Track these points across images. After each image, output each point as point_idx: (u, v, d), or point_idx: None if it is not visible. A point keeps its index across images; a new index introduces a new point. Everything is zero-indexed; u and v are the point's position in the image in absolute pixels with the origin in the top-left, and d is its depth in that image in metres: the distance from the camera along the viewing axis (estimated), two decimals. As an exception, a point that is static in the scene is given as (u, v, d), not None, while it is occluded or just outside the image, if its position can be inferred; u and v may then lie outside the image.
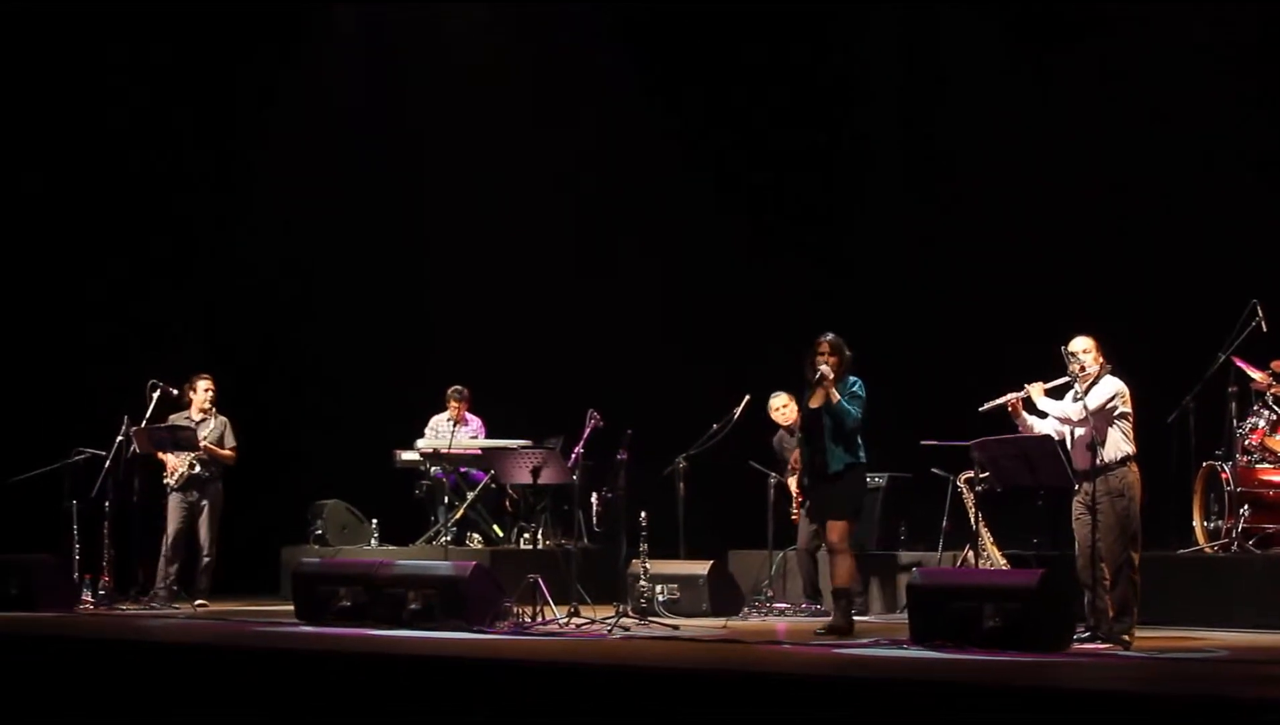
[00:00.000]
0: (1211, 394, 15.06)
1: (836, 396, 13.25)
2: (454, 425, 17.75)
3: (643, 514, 15.20)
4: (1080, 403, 12.41)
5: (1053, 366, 12.57)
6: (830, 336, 13.34)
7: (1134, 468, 12.32)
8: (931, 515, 15.75)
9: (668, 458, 15.51)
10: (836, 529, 13.48)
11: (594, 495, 16.61)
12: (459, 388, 17.79)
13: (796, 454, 14.50)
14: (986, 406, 12.70)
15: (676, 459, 15.39)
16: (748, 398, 14.90)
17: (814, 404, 13.42)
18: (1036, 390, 12.57)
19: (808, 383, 13.48)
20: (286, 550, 17.90)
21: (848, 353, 13.37)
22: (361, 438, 18.52)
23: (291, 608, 14.75)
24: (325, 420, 19.26)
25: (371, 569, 14.27)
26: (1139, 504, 12.28)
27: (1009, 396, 12.61)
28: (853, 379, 13.37)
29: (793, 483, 15.22)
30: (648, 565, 15.28)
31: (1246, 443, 15.12)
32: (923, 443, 14.97)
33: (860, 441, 13.44)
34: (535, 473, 14.53)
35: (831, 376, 13.22)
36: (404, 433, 18.03)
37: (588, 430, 14.65)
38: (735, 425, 15.00)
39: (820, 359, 13.27)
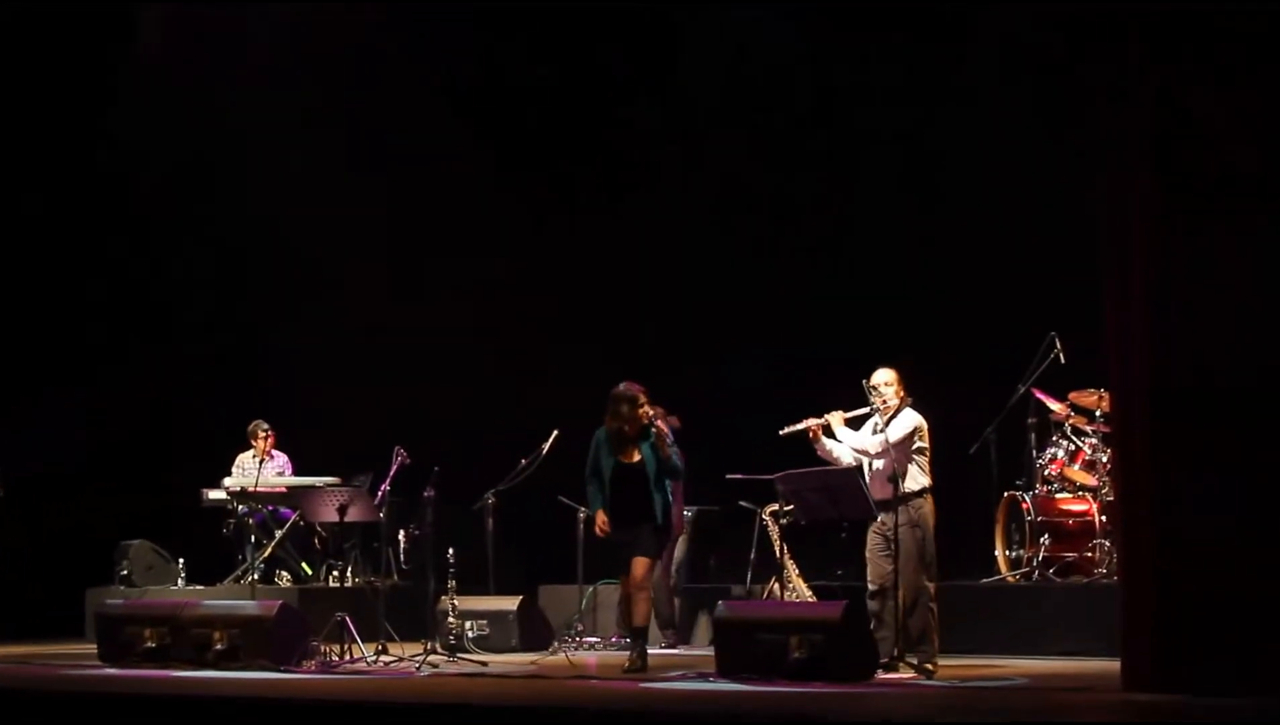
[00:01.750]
0: (1012, 425, 15.19)
1: (669, 452, 13.23)
2: (259, 462, 17.46)
3: (450, 551, 15.07)
4: (881, 434, 12.52)
5: (854, 397, 12.74)
6: (633, 387, 13.16)
7: (929, 499, 12.50)
8: (741, 548, 15.73)
9: (476, 494, 15.29)
10: (643, 565, 13.32)
11: (401, 533, 16.36)
12: (261, 422, 17.51)
13: None
14: (787, 430, 12.73)
15: (485, 495, 15.17)
16: (556, 433, 14.64)
17: (630, 460, 13.31)
18: (836, 419, 12.69)
19: (612, 434, 13.33)
20: (91, 592, 17.43)
21: None
22: (168, 477, 18.23)
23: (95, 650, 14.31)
24: (130, 459, 18.77)
25: (176, 609, 13.97)
26: (933, 533, 12.47)
27: (809, 422, 12.69)
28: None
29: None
30: (456, 602, 15.10)
31: (1046, 473, 15.28)
32: (728, 477, 14.79)
33: None
34: (342, 511, 14.31)
35: (669, 434, 13.20)
36: (211, 471, 17.77)
37: (395, 467, 14.44)
38: (544, 460, 14.76)
39: (643, 413, 13.12)
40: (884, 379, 12.61)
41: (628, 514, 13.34)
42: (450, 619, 15.02)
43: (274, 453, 17.63)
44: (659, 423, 13.25)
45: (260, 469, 17.30)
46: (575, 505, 15.39)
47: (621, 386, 13.29)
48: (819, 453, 12.73)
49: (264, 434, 17.58)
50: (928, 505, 12.46)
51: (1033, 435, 15.24)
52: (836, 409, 12.68)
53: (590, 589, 15.89)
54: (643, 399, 13.19)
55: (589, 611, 16.06)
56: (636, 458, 13.30)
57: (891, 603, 12.26)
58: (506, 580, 15.92)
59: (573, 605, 16.00)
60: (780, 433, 12.74)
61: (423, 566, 15.16)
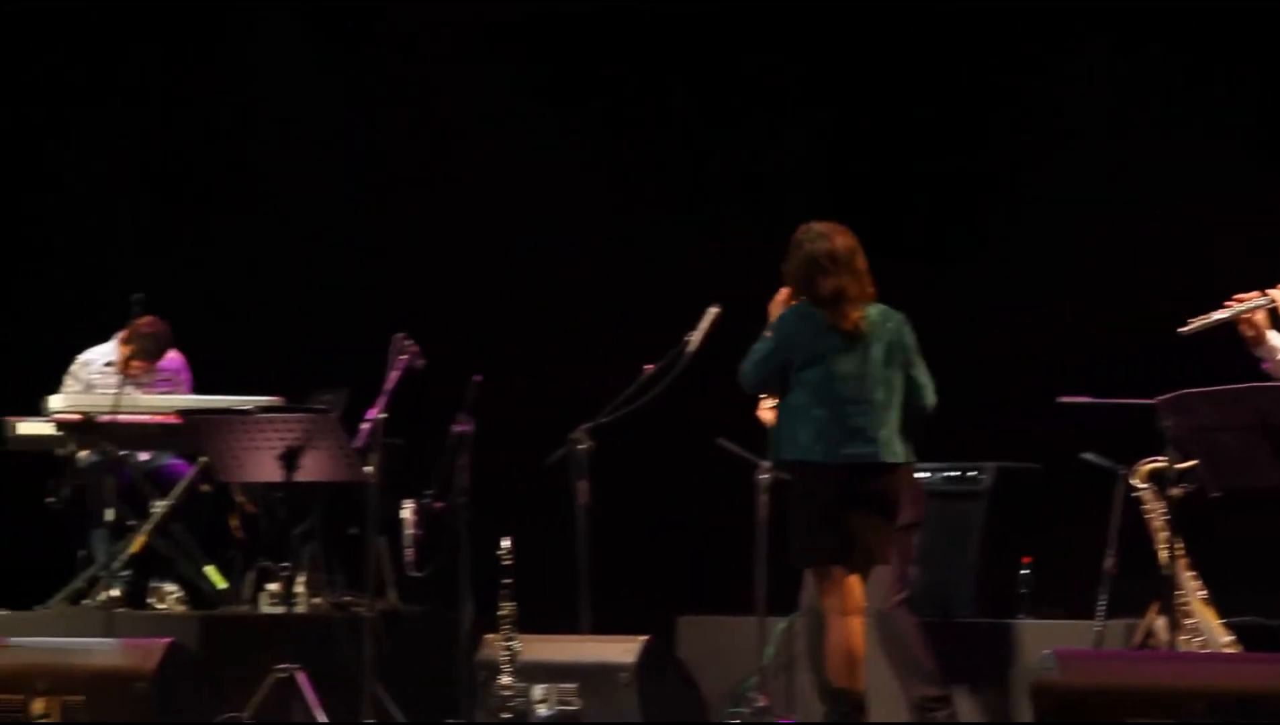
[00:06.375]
0: None
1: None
2: (124, 367, 11.93)
3: (505, 542, 10.54)
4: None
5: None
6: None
7: None
8: (1074, 544, 10.91)
9: (555, 431, 10.96)
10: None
11: (408, 505, 11.59)
12: (139, 297, 12.09)
13: None
14: (1196, 323, 9.25)
15: (573, 433, 10.91)
16: (716, 310, 10.46)
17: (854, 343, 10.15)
18: (1292, 294, 9.22)
19: (828, 298, 9.84)
20: None
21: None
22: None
23: None
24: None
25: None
26: None
27: (1246, 301, 9.16)
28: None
29: None
30: (515, 644, 10.72)
31: None
32: (1060, 401, 10.47)
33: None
34: (290, 459, 10.46)
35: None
36: (24, 386, 12.54)
37: (395, 375, 10.61)
38: (693, 366, 10.53)
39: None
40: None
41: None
42: (504, 678, 10.58)
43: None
44: None
45: (125, 379, 11.90)
46: (750, 456, 10.62)
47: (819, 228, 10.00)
48: (1267, 364, 9.30)
49: (140, 317, 11.98)
50: None
51: None
52: None
53: (784, 623, 11.09)
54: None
55: (780, 667, 11.15)
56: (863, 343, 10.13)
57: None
58: (614, 604, 11.40)
59: (748, 655, 11.02)
60: (1181, 330, 9.28)
61: (450, 574, 10.96)
